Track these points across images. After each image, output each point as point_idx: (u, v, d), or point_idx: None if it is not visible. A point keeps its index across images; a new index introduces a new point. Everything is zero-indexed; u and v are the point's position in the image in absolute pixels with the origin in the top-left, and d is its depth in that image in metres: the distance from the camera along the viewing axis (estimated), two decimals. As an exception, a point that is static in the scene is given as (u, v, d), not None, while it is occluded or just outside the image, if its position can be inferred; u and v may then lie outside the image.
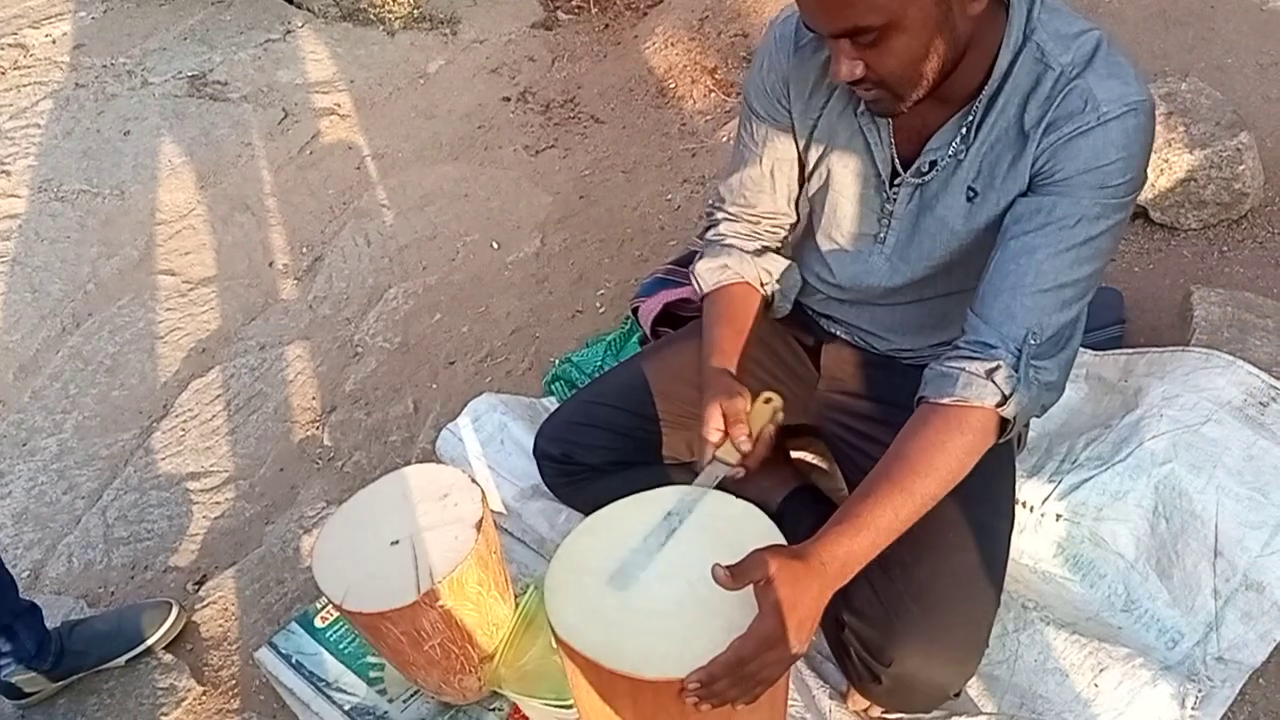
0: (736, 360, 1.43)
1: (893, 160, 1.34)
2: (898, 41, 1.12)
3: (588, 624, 1.11)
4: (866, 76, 1.16)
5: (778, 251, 1.56)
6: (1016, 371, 1.19)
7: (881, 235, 1.41)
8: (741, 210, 1.53)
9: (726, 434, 1.31)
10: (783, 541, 1.14)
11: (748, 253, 1.53)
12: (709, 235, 1.57)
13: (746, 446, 1.29)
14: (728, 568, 1.06)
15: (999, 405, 1.19)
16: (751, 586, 1.06)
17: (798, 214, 1.53)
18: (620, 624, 1.11)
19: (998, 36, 1.20)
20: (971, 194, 1.29)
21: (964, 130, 1.26)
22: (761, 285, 1.53)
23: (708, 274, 1.53)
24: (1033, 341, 1.20)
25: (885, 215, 1.39)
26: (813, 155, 1.43)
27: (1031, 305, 1.20)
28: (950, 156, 1.29)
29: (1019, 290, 1.20)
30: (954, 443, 1.19)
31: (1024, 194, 1.24)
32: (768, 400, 1.37)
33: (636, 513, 1.25)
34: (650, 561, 1.17)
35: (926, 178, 1.32)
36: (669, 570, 1.17)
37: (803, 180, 1.48)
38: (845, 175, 1.40)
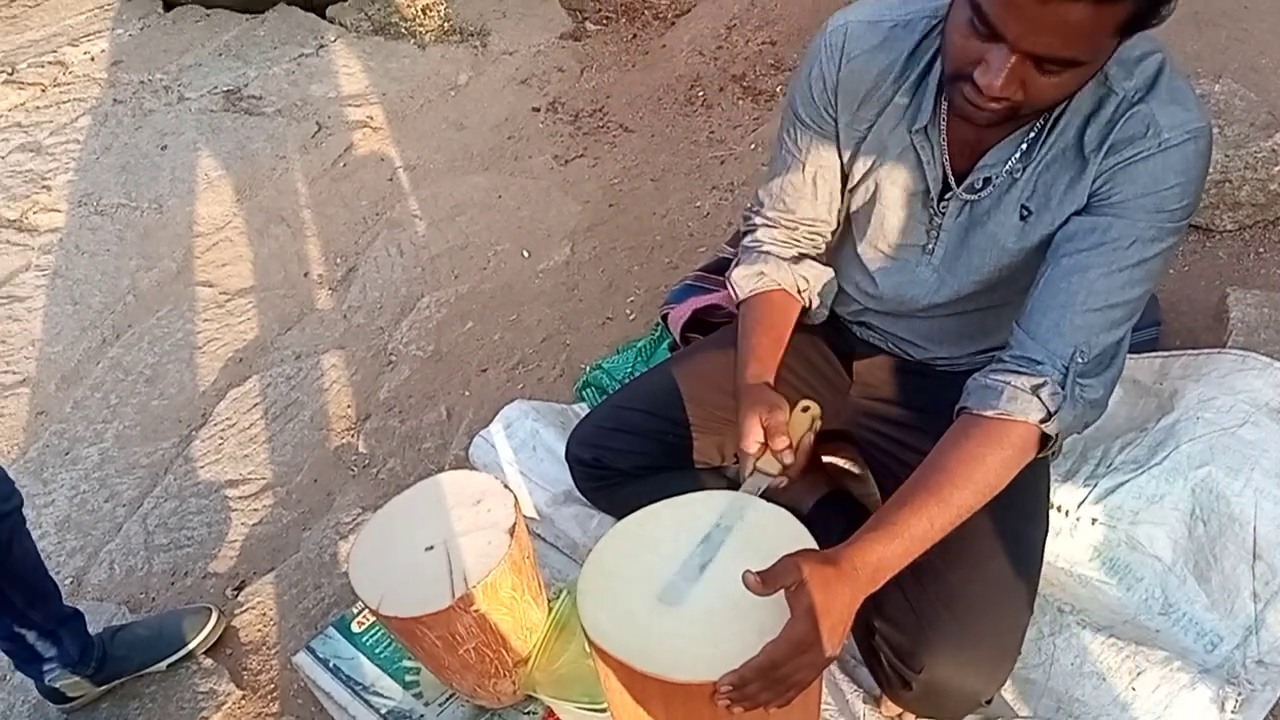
0: (774, 369, 1.42)
1: (945, 175, 1.33)
2: (1070, 77, 1.09)
3: (619, 627, 1.12)
4: (1011, 96, 1.10)
5: (815, 259, 1.55)
6: (1063, 389, 1.19)
7: (930, 247, 1.40)
8: (780, 215, 1.51)
9: (765, 445, 1.30)
10: (814, 546, 1.14)
11: (785, 259, 1.51)
12: (746, 241, 1.55)
13: (789, 459, 1.29)
14: (759, 573, 1.06)
15: (1043, 421, 1.18)
16: (782, 591, 1.06)
17: (837, 222, 1.52)
18: (652, 627, 1.12)
19: None
20: (1026, 213, 1.28)
21: (1024, 147, 1.25)
22: (799, 293, 1.52)
23: (744, 280, 1.52)
24: (1080, 360, 1.19)
25: (934, 228, 1.38)
26: (859, 168, 1.41)
27: (1081, 324, 1.19)
28: (1006, 174, 1.28)
29: (1069, 308, 1.20)
30: (994, 456, 1.18)
31: (1078, 213, 1.23)
32: (805, 409, 1.36)
33: (668, 517, 1.25)
34: (698, 577, 1.17)
35: (980, 194, 1.31)
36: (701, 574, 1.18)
37: (844, 190, 1.47)
38: (893, 189, 1.38)
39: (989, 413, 1.19)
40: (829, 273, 1.55)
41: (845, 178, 1.45)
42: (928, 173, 1.34)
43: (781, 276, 1.50)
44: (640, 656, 1.08)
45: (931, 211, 1.36)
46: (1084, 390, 1.21)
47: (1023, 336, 1.23)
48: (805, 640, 1.04)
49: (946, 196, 1.34)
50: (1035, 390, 1.18)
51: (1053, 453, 1.53)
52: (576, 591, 1.17)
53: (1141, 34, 1.10)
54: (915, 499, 1.15)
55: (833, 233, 1.54)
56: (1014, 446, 1.19)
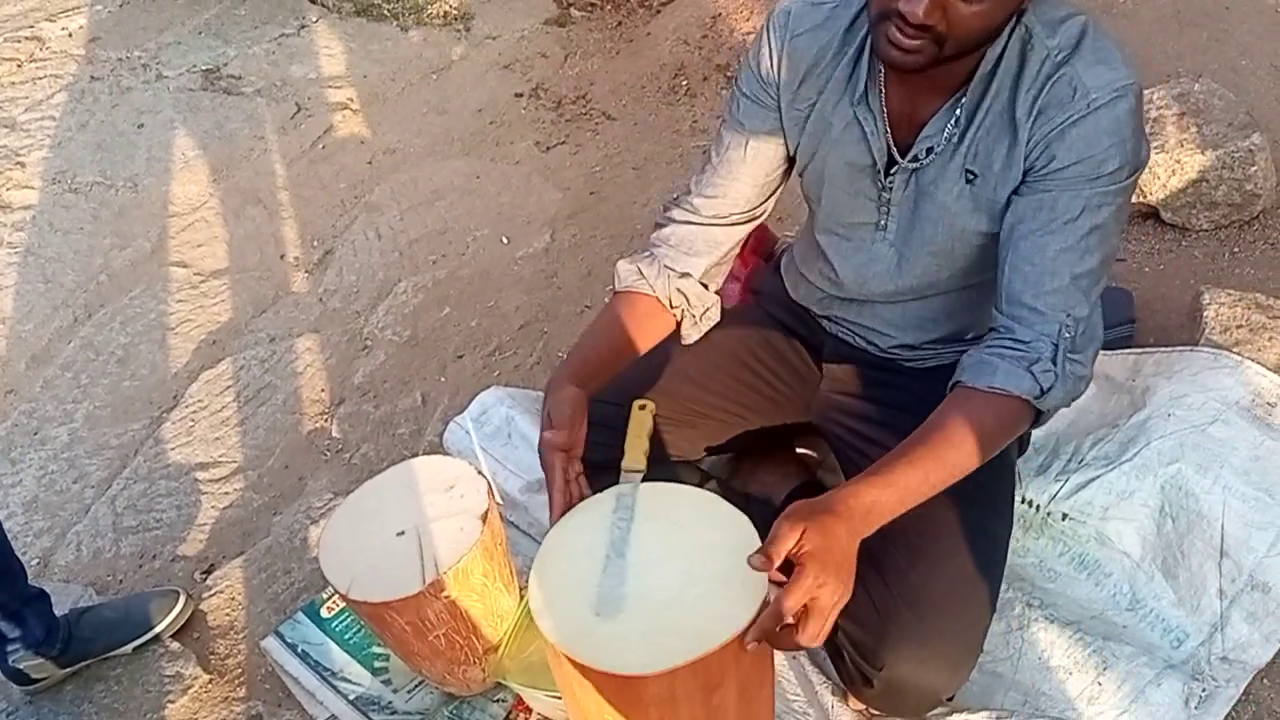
0: (599, 376, 1.42)
1: (889, 148, 1.34)
2: (991, 4, 1.11)
3: (587, 644, 1.11)
4: (935, 24, 1.12)
5: (704, 282, 1.50)
6: (1055, 365, 1.21)
7: (883, 224, 1.41)
8: (702, 203, 1.47)
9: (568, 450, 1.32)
10: (749, 524, 1.16)
11: (673, 270, 1.47)
12: (652, 236, 1.52)
13: (640, 464, 1.32)
14: (761, 552, 1.06)
15: (1036, 397, 1.21)
16: (733, 576, 1.08)
17: (763, 209, 1.50)
18: (615, 634, 1.11)
19: None
20: (970, 176, 1.30)
21: (959, 114, 1.27)
22: (671, 306, 1.48)
23: (624, 272, 1.49)
24: (1068, 335, 1.22)
25: (884, 204, 1.39)
26: (806, 148, 1.42)
27: (1056, 302, 1.22)
28: (946, 141, 1.29)
29: (1040, 289, 1.22)
30: (989, 423, 1.21)
31: (1021, 185, 1.25)
32: (642, 407, 1.40)
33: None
34: (626, 578, 1.17)
35: (924, 162, 1.32)
36: (648, 566, 1.17)
37: (787, 175, 1.48)
38: (840, 166, 1.39)
39: (983, 386, 1.22)
40: (712, 299, 1.52)
41: (793, 162, 1.46)
42: (872, 145, 1.35)
43: (659, 285, 1.46)
44: (619, 664, 1.07)
45: (880, 186, 1.38)
46: (1074, 367, 1.24)
47: (1007, 321, 1.25)
48: (814, 585, 1.04)
49: (893, 170, 1.35)
50: (1030, 366, 1.21)
51: (1020, 442, 1.55)
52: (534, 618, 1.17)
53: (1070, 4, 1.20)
54: (913, 453, 1.18)
55: (750, 222, 1.49)
56: (1008, 418, 1.22)
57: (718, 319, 1.55)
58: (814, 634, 1.05)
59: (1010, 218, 1.26)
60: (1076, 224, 1.20)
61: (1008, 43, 1.22)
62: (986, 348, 1.25)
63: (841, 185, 1.41)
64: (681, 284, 1.47)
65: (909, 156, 1.33)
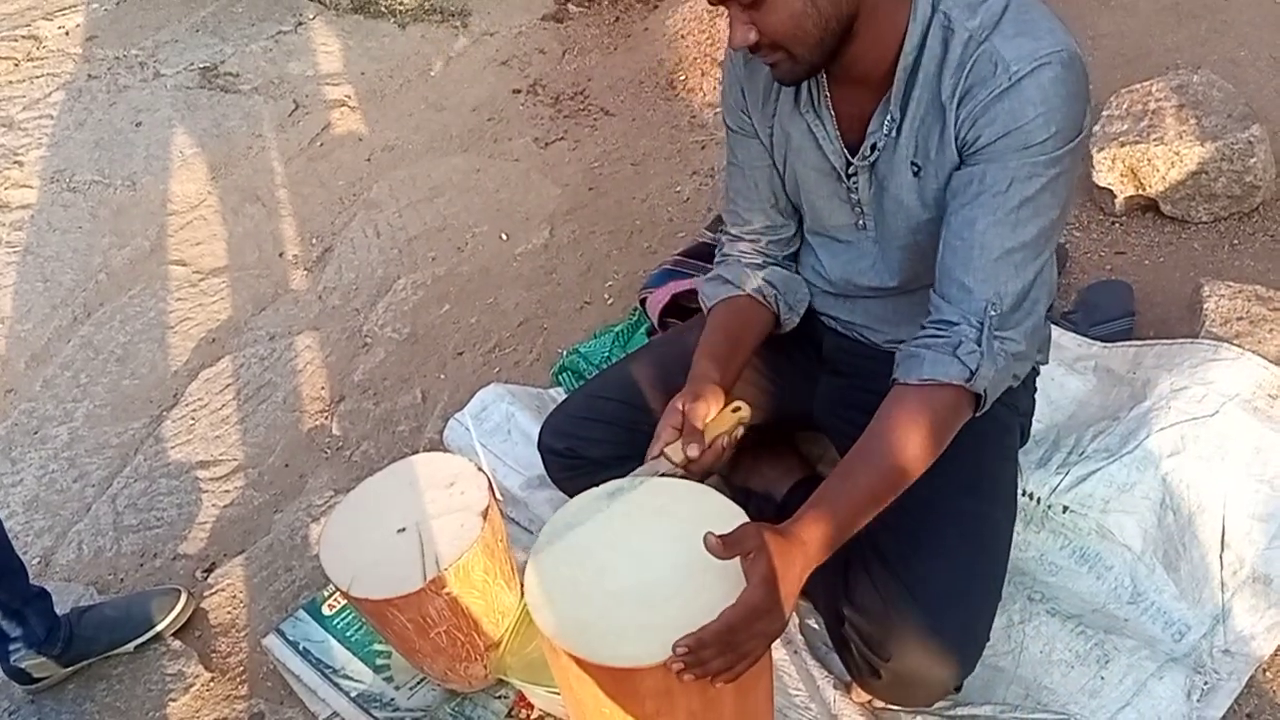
0: (728, 369, 1.43)
1: (843, 151, 1.36)
2: (774, 2, 1.15)
3: (583, 637, 1.11)
4: (760, 41, 1.19)
5: (785, 266, 1.57)
6: (979, 346, 1.20)
7: (861, 223, 1.43)
8: (742, 230, 1.55)
9: (680, 432, 1.31)
10: (746, 519, 1.16)
11: (750, 266, 1.53)
12: (717, 257, 1.59)
13: (693, 453, 1.29)
14: (720, 537, 1.07)
15: (967, 381, 1.20)
16: (727, 568, 1.08)
17: (795, 223, 1.55)
18: (610, 627, 1.12)
19: (907, 10, 1.22)
20: (915, 169, 1.30)
21: (893, 108, 1.28)
22: (764, 298, 1.53)
23: (710, 289, 1.55)
24: (993, 313, 1.21)
25: (855, 204, 1.41)
26: (779, 159, 1.46)
27: (984, 277, 1.21)
28: (886, 136, 1.30)
29: (969, 264, 1.21)
30: (926, 421, 1.20)
31: (957, 167, 1.25)
32: (736, 409, 1.37)
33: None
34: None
35: (871, 159, 1.33)
36: (644, 559, 1.18)
37: (784, 185, 1.51)
38: (808, 173, 1.42)
39: (914, 380, 1.22)
40: (797, 279, 1.57)
41: (781, 175, 1.49)
42: (826, 149, 1.37)
43: (745, 283, 1.52)
44: (609, 655, 1.08)
45: (847, 187, 1.39)
46: (1004, 344, 1.22)
47: (938, 300, 1.25)
48: (762, 606, 1.06)
49: (851, 171, 1.37)
50: (954, 351, 1.20)
51: (1021, 431, 1.54)
52: (529, 606, 1.17)
53: None
54: (855, 470, 1.19)
55: (794, 235, 1.56)
56: (944, 409, 1.22)
57: (808, 297, 1.58)
58: (729, 665, 1.06)
59: (947, 194, 1.26)
60: (1006, 196, 1.19)
61: (928, 32, 1.21)
62: (915, 339, 1.25)
63: (815, 191, 1.44)
64: (765, 273, 1.53)
65: (859, 154, 1.34)
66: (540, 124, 3.26)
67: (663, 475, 1.28)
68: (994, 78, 1.17)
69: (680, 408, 1.32)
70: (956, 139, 1.23)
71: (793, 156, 1.42)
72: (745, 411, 1.37)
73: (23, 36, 3.93)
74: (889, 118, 1.28)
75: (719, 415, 1.35)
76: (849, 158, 1.36)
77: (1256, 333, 1.81)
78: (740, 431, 1.37)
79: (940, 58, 1.22)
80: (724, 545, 1.07)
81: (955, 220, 1.23)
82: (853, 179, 1.37)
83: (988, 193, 1.20)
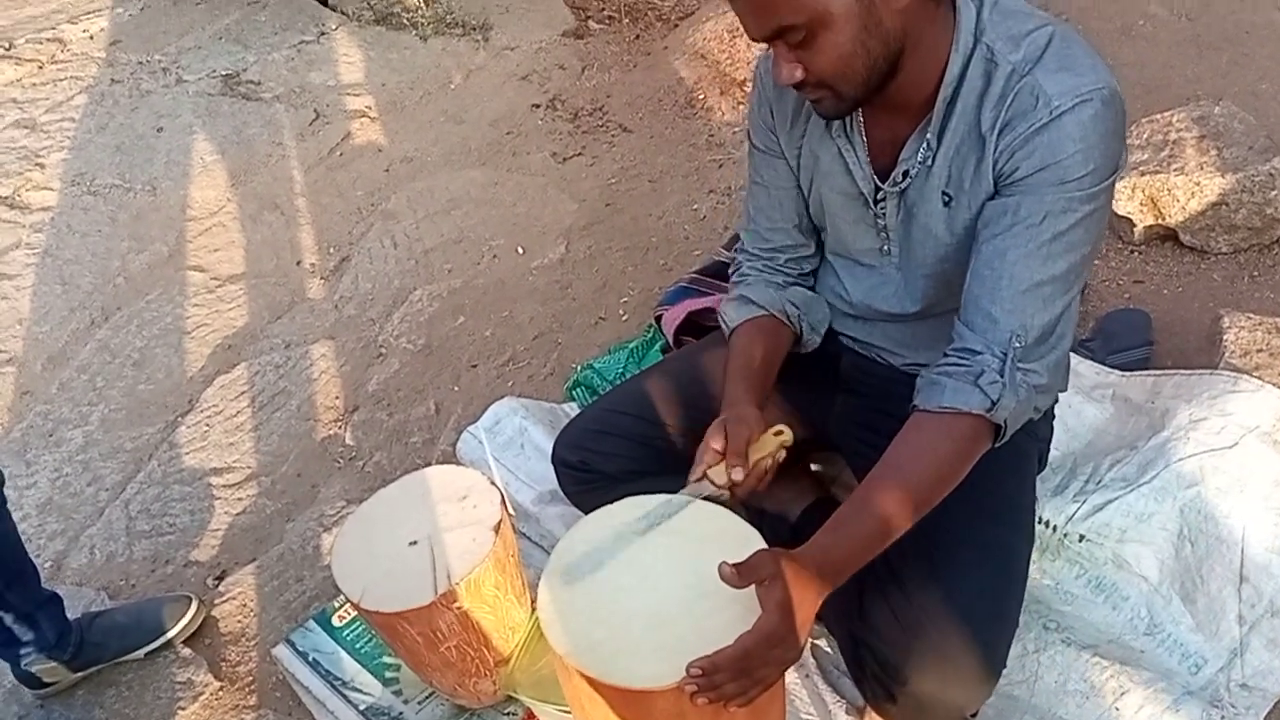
0: (761, 388, 1.43)
1: (872, 177, 1.36)
2: (826, 39, 1.14)
3: (596, 656, 1.11)
4: (806, 79, 1.19)
5: (805, 285, 1.57)
6: (1002, 376, 1.20)
7: (886, 249, 1.42)
8: (761, 249, 1.55)
9: (722, 455, 1.30)
10: (760, 540, 1.16)
11: (772, 285, 1.53)
12: (734, 278, 1.58)
13: (738, 476, 1.28)
14: (734, 565, 1.07)
15: (988, 411, 1.19)
16: (741, 591, 1.07)
17: (815, 244, 1.54)
18: (624, 647, 1.11)
19: (949, 41, 1.21)
20: (946, 199, 1.30)
21: (929, 136, 1.27)
22: (787, 318, 1.52)
23: (732, 310, 1.54)
24: (1017, 345, 1.20)
25: (880, 230, 1.40)
26: (804, 181, 1.45)
27: (1012, 308, 1.20)
28: (920, 164, 1.30)
29: (997, 295, 1.21)
30: (945, 449, 1.20)
31: (991, 198, 1.24)
32: (778, 433, 1.36)
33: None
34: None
35: (903, 186, 1.33)
36: (659, 580, 1.18)
37: (808, 207, 1.50)
38: (835, 197, 1.42)
39: (934, 407, 1.21)
40: (818, 300, 1.56)
41: (805, 196, 1.49)
42: (856, 174, 1.36)
43: (768, 301, 1.51)
44: (623, 676, 1.08)
45: (874, 213, 1.39)
46: (1027, 375, 1.22)
47: (962, 329, 1.25)
48: (777, 634, 1.05)
49: (881, 197, 1.36)
50: (976, 381, 1.19)
51: (1039, 457, 1.53)
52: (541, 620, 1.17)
53: (1036, 13, 1.20)
54: (872, 498, 1.18)
55: (813, 255, 1.56)
56: (964, 438, 1.21)
57: (829, 317, 1.57)
58: (742, 690, 1.06)
59: (979, 223, 1.25)
60: (1039, 229, 1.18)
61: (969, 63, 1.21)
62: (937, 366, 1.24)
63: (841, 214, 1.44)
64: (786, 294, 1.52)
65: (889, 181, 1.34)
66: (559, 139, 3.27)
67: (705, 498, 1.28)
68: (1035, 111, 1.17)
69: (724, 431, 1.31)
70: (994, 169, 1.22)
71: (820, 179, 1.42)
72: (788, 435, 1.36)
73: (47, 39, 3.96)
74: (924, 145, 1.28)
75: (762, 438, 1.34)
76: (878, 183, 1.36)
77: (1276, 365, 1.81)
78: (783, 455, 1.36)
79: (981, 89, 1.22)
80: (739, 574, 1.07)
81: (986, 250, 1.23)
82: (880, 205, 1.37)
83: (1021, 224, 1.19)
